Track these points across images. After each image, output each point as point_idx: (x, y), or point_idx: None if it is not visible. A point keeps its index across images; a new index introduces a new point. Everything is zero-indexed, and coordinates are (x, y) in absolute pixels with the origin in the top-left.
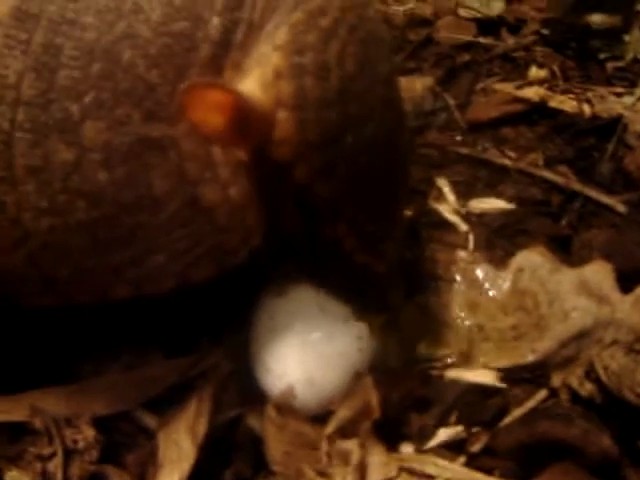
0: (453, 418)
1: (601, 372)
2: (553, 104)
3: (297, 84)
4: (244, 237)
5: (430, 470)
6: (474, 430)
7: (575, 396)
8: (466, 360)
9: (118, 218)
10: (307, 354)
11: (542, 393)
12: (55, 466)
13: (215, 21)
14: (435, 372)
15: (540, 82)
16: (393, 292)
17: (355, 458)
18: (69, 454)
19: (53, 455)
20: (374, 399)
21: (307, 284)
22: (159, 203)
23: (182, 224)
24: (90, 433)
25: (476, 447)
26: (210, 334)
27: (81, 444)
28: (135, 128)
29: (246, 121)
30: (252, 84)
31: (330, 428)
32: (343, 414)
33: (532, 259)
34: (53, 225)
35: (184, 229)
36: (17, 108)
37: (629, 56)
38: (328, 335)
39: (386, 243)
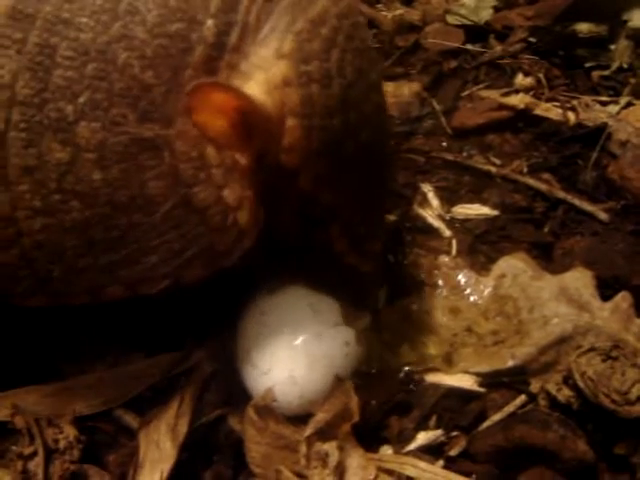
0: (432, 422)
1: (578, 378)
2: (538, 112)
3: (304, 92)
4: (237, 239)
5: (409, 472)
6: (453, 434)
7: (553, 401)
8: (447, 364)
9: (112, 218)
10: (294, 353)
11: (521, 398)
12: (36, 465)
13: (209, 23)
14: (415, 376)
15: (526, 90)
16: (377, 291)
17: (333, 460)
18: (50, 453)
19: (34, 454)
20: (354, 403)
21: (302, 284)
22: (153, 203)
23: (175, 225)
24: (71, 432)
25: (454, 451)
26: (193, 332)
27: (62, 443)
28: (130, 128)
29: (250, 125)
30: (257, 89)
31: (309, 430)
32: (322, 417)
33: (514, 265)
34: (47, 225)
35: (177, 230)
36: (12, 108)
37: (615, 65)
38: (317, 337)
39: (373, 243)
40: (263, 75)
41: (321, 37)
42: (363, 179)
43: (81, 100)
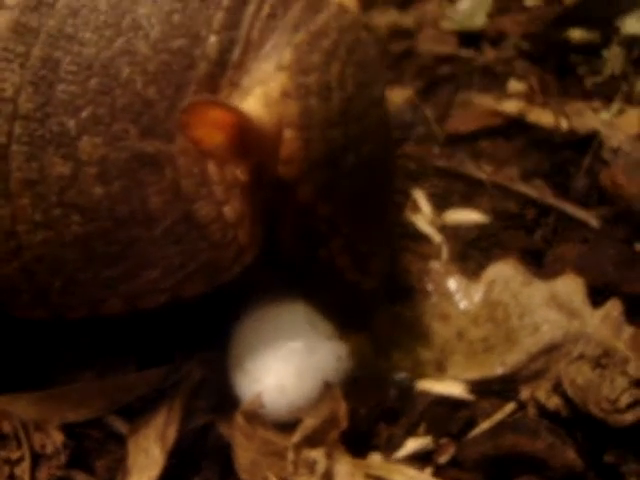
0: (421, 429)
1: (567, 386)
2: (531, 118)
3: (303, 104)
4: (237, 254)
5: (398, 479)
6: (442, 441)
7: (542, 409)
8: (437, 371)
9: (112, 233)
10: (285, 363)
11: (510, 406)
12: (22, 470)
13: (212, 39)
14: (405, 383)
15: (519, 96)
16: (376, 309)
17: (321, 467)
18: (37, 458)
19: (21, 459)
20: (342, 410)
21: (300, 296)
22: (154, 218)
23: (176, 240)
24: (59, 438)
25: (443, 458)
26: (184, 342)
27: (49, 449)
28: (132, 144)
29: (247, 140)
30: (255, 103)
31: (296, 437)
32: (310, 423)
33: (504, 271)
34: (47, 238)
35: (178, 245)
36: (14, 121)
37: (607, 71)
38: (310, 349)
39: (375, 261)
40: (262, 89)
41: (321, 50)
42: (365, 194)
43: (83, 115)
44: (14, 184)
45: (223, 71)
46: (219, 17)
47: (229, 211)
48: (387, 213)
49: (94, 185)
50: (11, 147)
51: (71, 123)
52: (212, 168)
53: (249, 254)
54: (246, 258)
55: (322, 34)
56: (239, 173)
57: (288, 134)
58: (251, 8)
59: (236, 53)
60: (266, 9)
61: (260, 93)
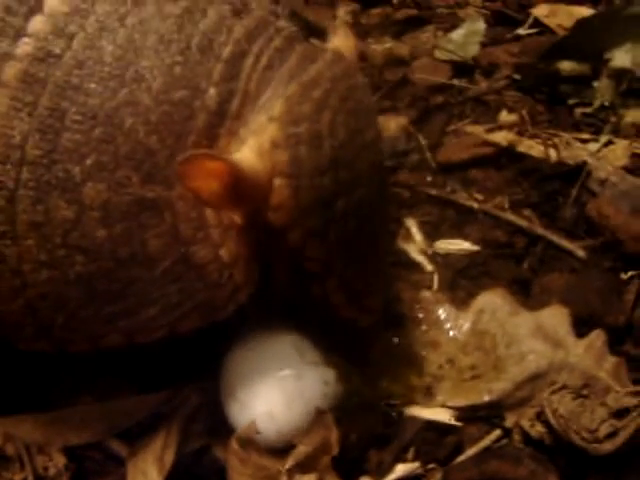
0: (410, 454)
1: (550, 415)
2: (521, 149)
3: (292, 153)
4: (232, 293)
5: None
6: (430, 467)
7: (526, 437)
8: (426, 398)
9: (114, 272)
10: (273, 390)
11: (496, 433)
12: None
13: (212, 91)
14: (395, 409)
15: (510, 126)
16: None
17: None
18: None
19: None
20: (333, 436)
21: (289, 325)
22: (153, 260)
23: (174, 280)
24: (61, 460)
25: None
26: (181, 372)
27: (52, 471)
28: (133, 189)
29: (241, 188)
30: (248, 153)
31: (289, 462)
32: (303, 449)
33: (492, 301)
34: (51, 277)
35: (176, 284)
36: (22, 167)
37: (597, 102)
38: (297, 376)
39: (371, 298)
40: (255, 139)
41: (312, 100)
42: (358, 235)
43: (88, 162)
44: (20, 226)
45: (222, 121)
46: (219, 69)
47: (225, 253)
48: (381, 250)
49: (97, 228)
50: (18, 191)
51: (76, 170)
52: (209, 213)
53: (244, 293)
54: (241, 297)
55: (314, 84)
56: (235, 217)
57: (278, 182)
58: (249, 60)
59: (234, 104)
60: (263, 61)
61: (253, 143)
